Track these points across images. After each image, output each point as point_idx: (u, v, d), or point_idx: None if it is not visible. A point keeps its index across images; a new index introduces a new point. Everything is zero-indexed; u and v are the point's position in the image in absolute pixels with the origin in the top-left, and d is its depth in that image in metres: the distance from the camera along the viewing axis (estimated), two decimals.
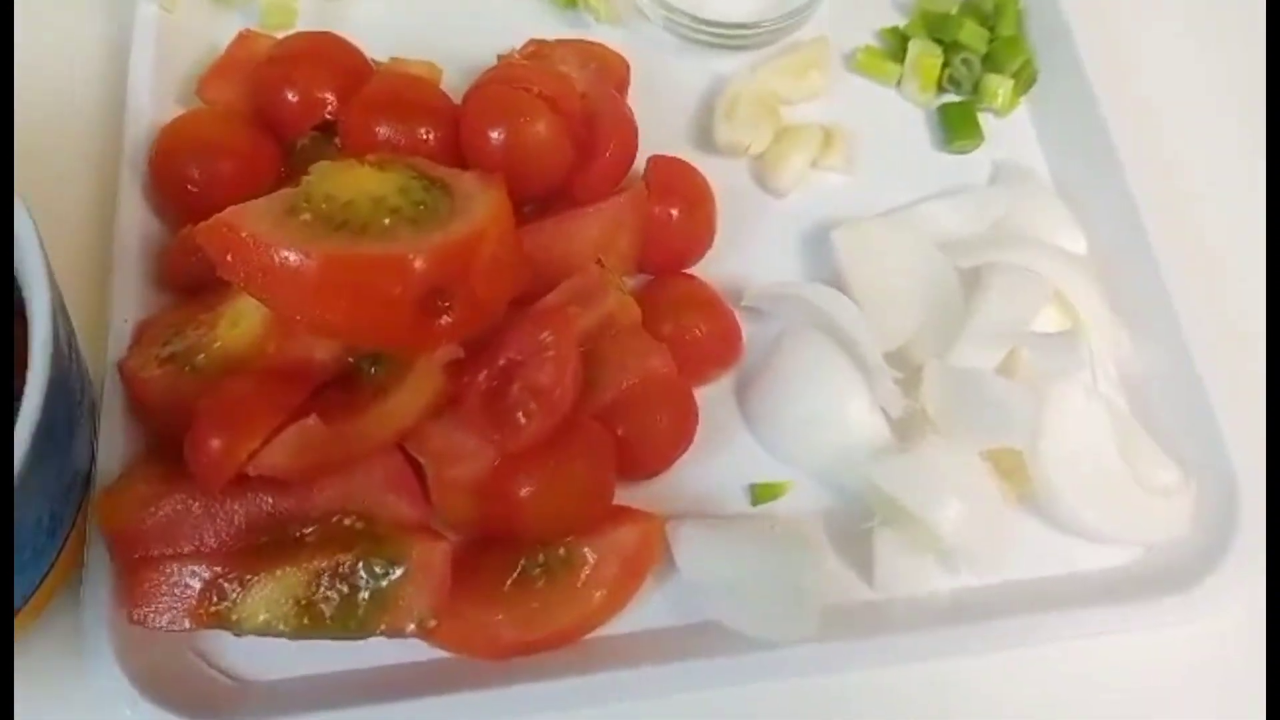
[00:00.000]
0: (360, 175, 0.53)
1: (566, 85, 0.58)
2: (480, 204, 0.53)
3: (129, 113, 0.60)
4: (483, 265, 0.52)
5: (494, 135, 0.56)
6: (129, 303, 0.56)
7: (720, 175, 0.65)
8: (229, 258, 0.49)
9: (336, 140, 0.60)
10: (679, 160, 0.62)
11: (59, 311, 0.47)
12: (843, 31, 0.72)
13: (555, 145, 0.57)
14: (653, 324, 0.58)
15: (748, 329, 0.62)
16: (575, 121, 0.58)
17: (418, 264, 0.49)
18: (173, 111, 0.62)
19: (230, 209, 0.49)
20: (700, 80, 0.70)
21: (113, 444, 0.52)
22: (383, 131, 0.57)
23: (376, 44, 0.67)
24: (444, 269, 0.50)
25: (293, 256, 0.48)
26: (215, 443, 0.47)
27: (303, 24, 0.69)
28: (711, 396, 0.60)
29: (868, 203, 0.66)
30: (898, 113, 0.70)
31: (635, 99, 0.67)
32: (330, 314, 0.48)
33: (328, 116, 0.59)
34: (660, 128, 0.66)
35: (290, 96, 0.59)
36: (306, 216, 0.50)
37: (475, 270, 0.51)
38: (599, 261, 0.56)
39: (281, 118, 0.59)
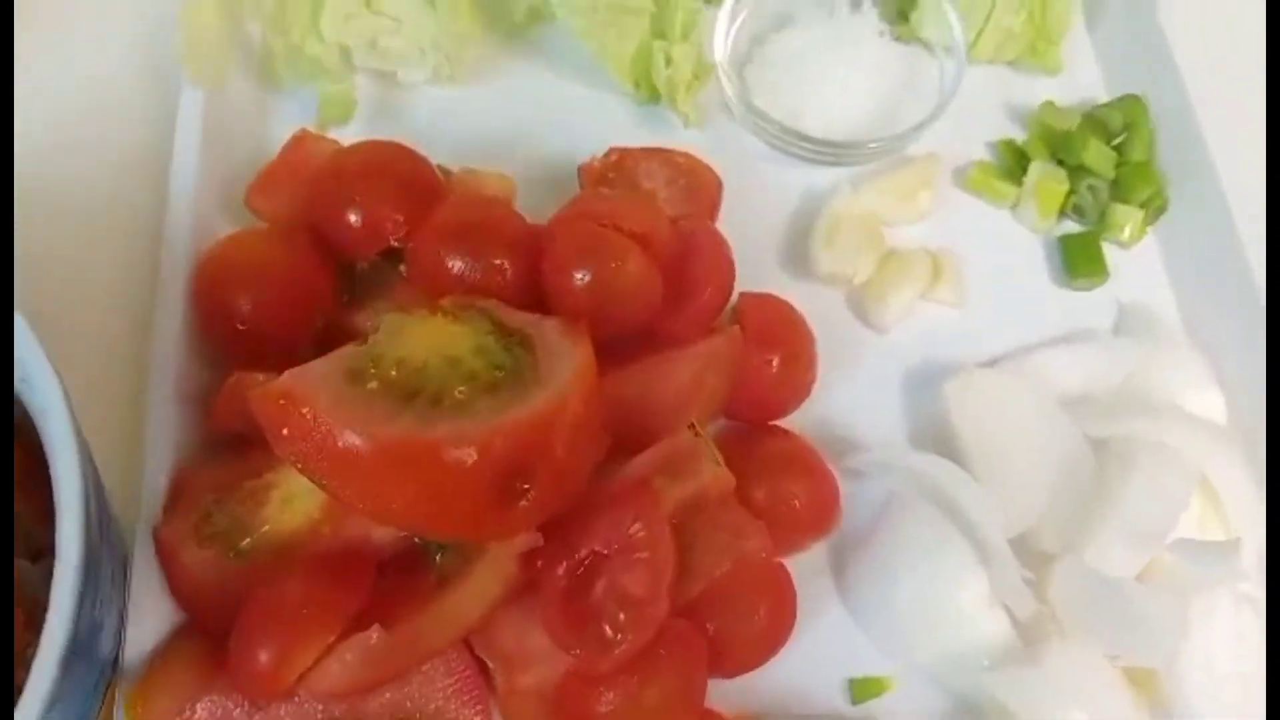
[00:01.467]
0: (432, 330, 0.47)
1: (658, 221, 0.52)
2: (565, 365, 0.47)
3: (169, 221, 0.54)
4: (566, 437, 0.46)
5: (579, 276, 0.50)
6: (165, 449, 0.50)
7: (815, 303, 0.59)
8: (285, 432, 0.43)
9: (402, 267, 0.54)
10: (777, 301, 0.56)
11: (91, 491, 0.42)
12: (952, 140, 0.65)
13: (645, 288, 0.51)
14: (743, 487, 0.52)
15: (846, 487, 0.56)
16: (667, 260, 0.52)
17: (496, 446, 0.43)
18: (217, 221, 0.57)
19: (288, 375, 0.44)
20: (795, 193, 0.64)
21: (144, 623, 0.46)
22: (455, 265, 0.51)
23: (442, 142, 0.61)
24: (525, 448, 0.44)
25: (358, 440, 0.42)
26: (264, 656, 0.41)
27: (363, 115, 0.64)
28: (804, 566, 0.54)
29: (979, 342, 0.60)
30: (1011, 238, 0.64)
31: (722, 213, 0.61)
32: (398, 504, 0.43)
33: (394, 243, 0.54)
34: (749, 245, 0.59)
35: (353, 219, 0.53)
36: (374, 385, 0.44)
37: (558, 444, 0.46)
38: (691, 426, 0.50)
39: (342, 241, 0.53)
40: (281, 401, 0.43)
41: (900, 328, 0.60)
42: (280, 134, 0.60)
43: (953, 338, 0.60)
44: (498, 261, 0.52)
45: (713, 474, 0.49)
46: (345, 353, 0.45)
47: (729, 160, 0.62)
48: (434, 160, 0.59)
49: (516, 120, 0.65)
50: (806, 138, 0.61)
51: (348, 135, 0.61)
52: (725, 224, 0.60)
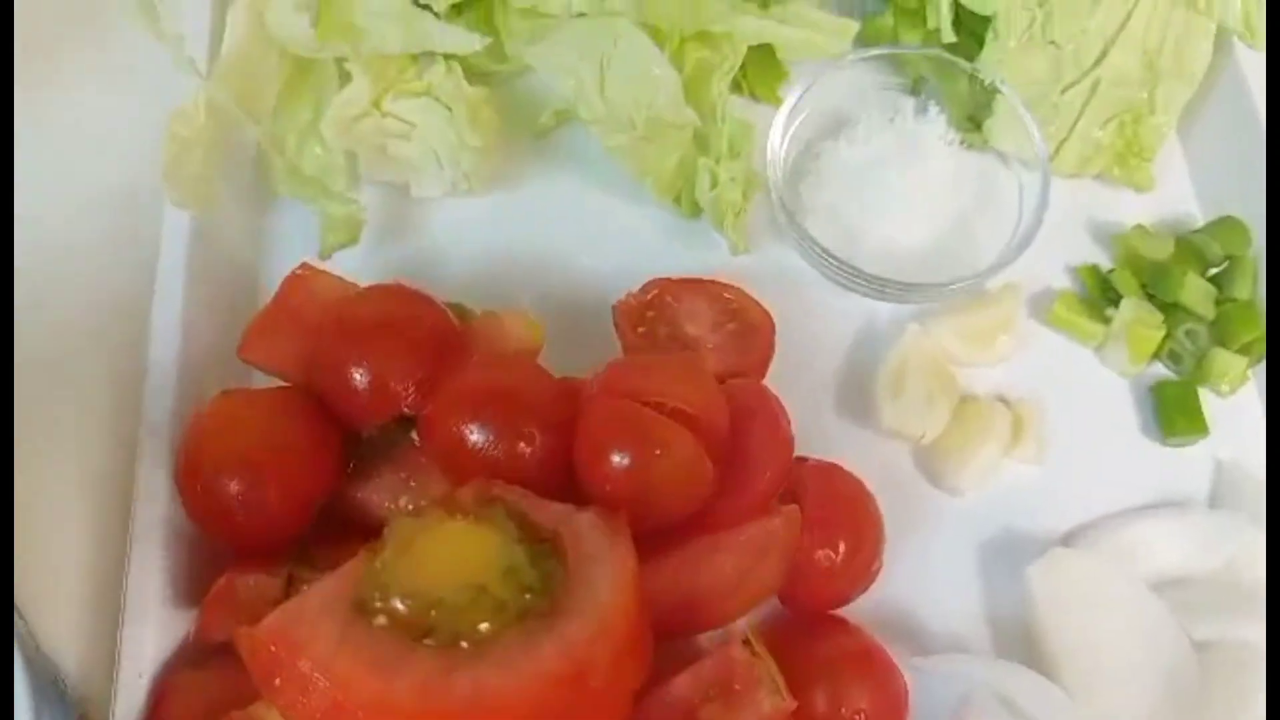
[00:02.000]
0: (450, 540, 0.41)
1: (709, 397, 0.45)
2: (602, 575, 0.40)
3: (150, 387, 0.47)
4: (604, 667, 0.40)
5: (618, 462, 0.44)
6: (144, 657, 0.43)
7: (877, 458, 0.53)
8: (277, 683, 0.37)
9: (414, 434, 0.48)
10: (842, 474, 0.49)
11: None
12: (1031, 264, 0.57)
13: (694, 477, 0.44)
14: (799, 690, 0.46)
15: (915, 684, 0.48)
16: (718, 439, 0.46)
17: (528, 694, 0.37)
18: (208, 375, 0.50)
19: (281, 614, 0.37)
20: (855, 326, 0.57)
21: None
22: (475, 438, 0.45)
23: (459, 264, 0.56)
24: (560, 689, 0.38)
25: (363, 696, 0.36)
26: None
27: (372, 231, 0.56)
28: None
29: (1063, 508, 0.53)
30: (1096, 380, 0.57)
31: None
32: None
33: (405, 411, 0.47)
34: (801, 389, 0.53)
35: (359, 383, 0.46)
36: (382, 620, 0.38)
37: (595, 676, 0.40)
38: (747, 642, 0.44)
39: (347, 407, 0.47)
40: (273, 648, 0.37)
41: (975, 490, 0.54)
42: (280, 261, 0.54)
43: (1033, 502, 0.54)
44: (523, 436, 0.46)
45: (773, 705, 0.42)
46: (347, 577, 0.39)
47: (780, 287, 0.56)
48: (451, 292, 0.53)
49: (543, 236, 0.58)
50: (865, 275, 0.54)
51: (354, 257, 0.55)
52: (775, 363, 0.53)
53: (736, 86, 0.62)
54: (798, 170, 0.59)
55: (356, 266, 0.54)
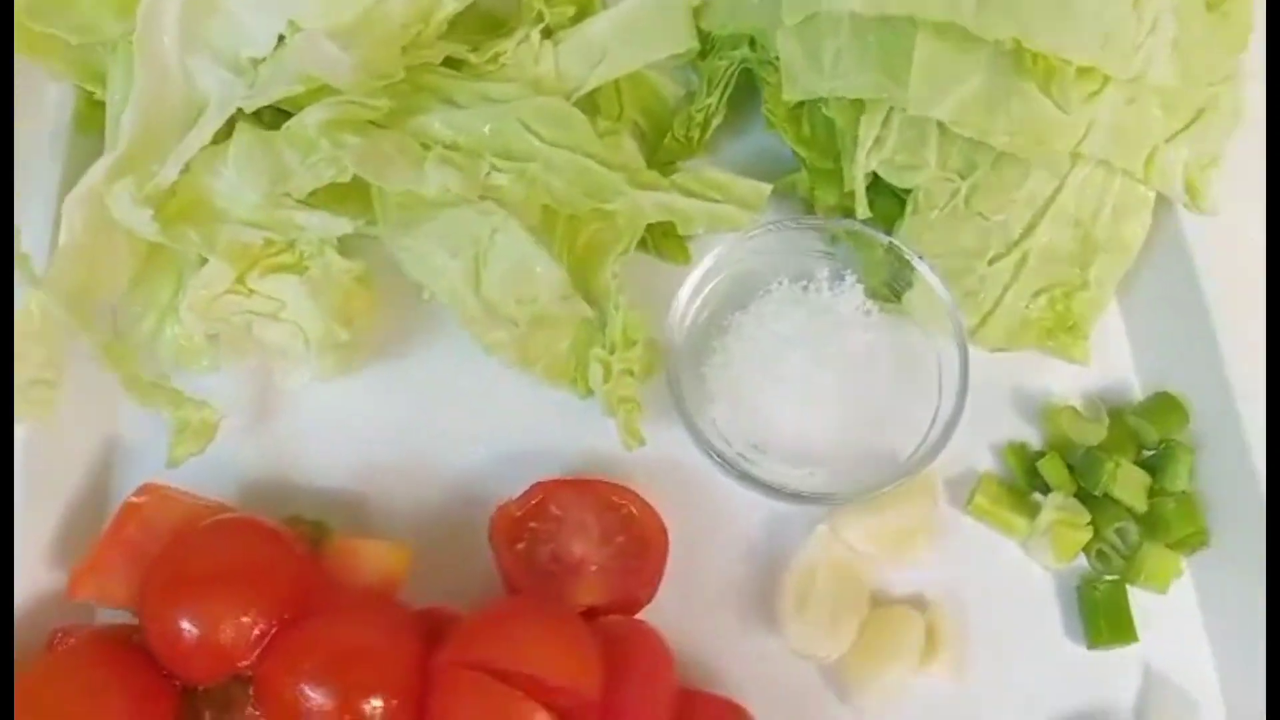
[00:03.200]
0: None
1: (578, 661, 0.41)
2: None
3: None
4: None
5: None
6: None
7: (784, 672, 0.50)
8: None
9: (250, 692, 0.44)
10: (733, 711, 0.46)
11: None
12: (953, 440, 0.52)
13: None
14: None
15: None
16: (584, 705, 0.42)
17: None
18: (48, 613, 0.46)
19: None
20: (761, 522, 0.53)
21: None
22: (312, 702, 0.41)
23: (326, 467, 0.52)
24: None
25: None
26: None
27: (233, 426, 0.51)
28: None
29: None
30: (1021, 575, 0.53)
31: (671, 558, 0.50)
32: None
33: (242, 668, 0.43)
34: (701, 595, 0.51)
35: (189, 637, 0.42)
36: None
37: None
38: None
39: (176, 662, 0.42)
40: None
41: (884, 708, 0.50)
42: (134, 472, 0.50)
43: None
44: (367, 701, 0.41)
45: None
46: None
47: (682, 475, 0.53)
48: (314, 499, 0.50)
49: (423, 421, 0.54)
50: (763, 483, 0.50)
51: (212, 456, 0.50)
52: (673, 565, 0.49)
53: (642, 244, 0.57)
54: (703, 348, 0.54)
55: (212, 471, 0.51)
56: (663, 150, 0.59)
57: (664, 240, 0.57)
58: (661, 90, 0.60)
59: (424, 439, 0.54)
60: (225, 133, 0.51)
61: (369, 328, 0.54)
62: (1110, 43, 0.47)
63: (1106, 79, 0.48)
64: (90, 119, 0.55)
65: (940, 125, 0.50)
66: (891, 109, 0.50)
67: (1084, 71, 0.48)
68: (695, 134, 0.58)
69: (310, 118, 0.48)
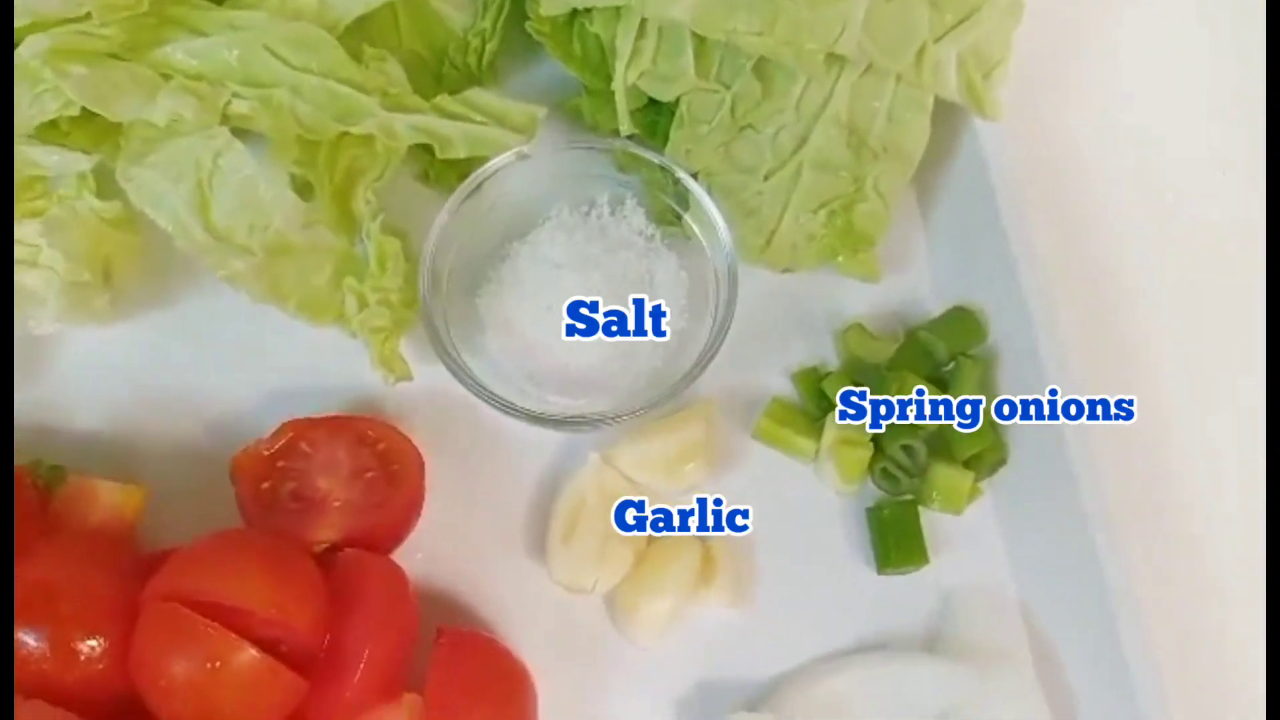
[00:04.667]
0: None
1: (288, 590, 0.40)
2: None
3: None
4: None
5: (172, 676, 0.39)
6: None
7: (563, 609, 0.49)
8: None
9: None
10: (485, 646, 0.45)
11: None
12: (745, 368, 0.53)
13: (264, 685, 0.39)
14: None
15: None
16: (301, 635, 0.41)
17: None
18: None
19: None
20: (538, 456, 0.52)
21: None
22: (28, 644, 0.40)
23: (86, 415, 0.51)
24: None
25: None
26: None
27: None
28: None
29: (766, 658, 0.48)
30: (814, 501, 0.52)
31: (433, 487, 0.49)
32: None
33: None
34: (471, 532, 0.49)
35: None
36: None
37: None
38: None
39: None
40: None
41: (672, 641, 0.48)
42: None
43: (735, 651, 0.49)
44: (77, 642, 0.40)
45: None
46: None
47: (449, 416, 0.51)
48: (72, 443, 0.49)
49: (183, 365, 0.53)
50: (520, 410, 0.48)
51: None
52: (438, 504, 0.49)
53: (423, 176, 0.56)
54: (480, 277, 0.53)
55: None
56: (444, 79, 0.57)
57: (443, 170, 0.56)
58: (444, 19, 0.58)
59: (187, 382, 0.52)
60: None
61: (130, 272, 0.53)
62: None
63: None
64: None
65: (697, 33, 0.49)
66: (644, 17, 0.49)
67: None
68: (473, 60, 0.56)
69: (32, 48, 0.47)
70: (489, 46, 0.56)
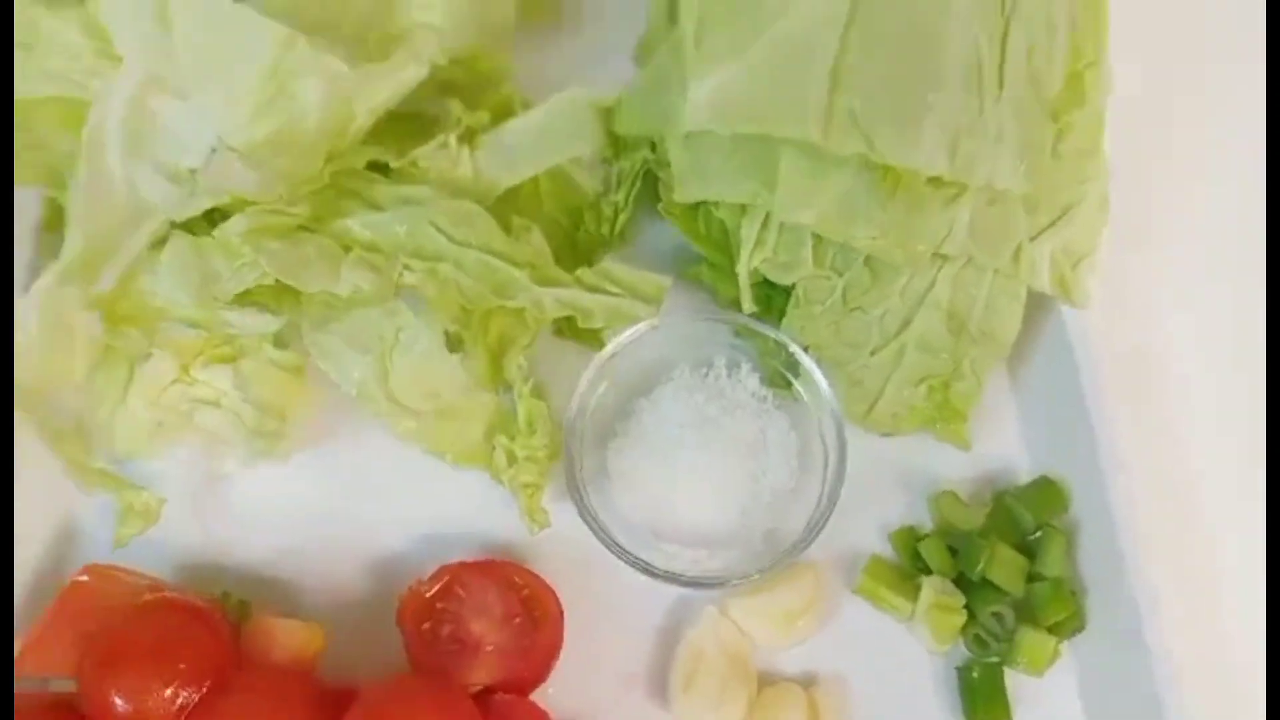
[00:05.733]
0: None
1: None
2: None
3: None
4: None
5: None
6: None
7: None
8: None
9: None
10: None
11: None
12: (844, 528, 0.58)
13: None
14: None
15: None
16: None
17: None
18: None
19: None
20: (659, 604, 0.58)
21: None
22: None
23: (258, 547, 0.57)
24: None
25: None
26: None
27: (174, 508, 0.57)
28: None
29: None
30: (907, 656, 0.57)
31: (570, 635, 0.55)
32: None
33: None
34: (598, 675, 0.55)
35: (119, 708, 0.47)
36: None
37: None
38: None
39: None
40: None
41: None
42: (82, 553, 0.56)
43: None
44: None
45: None
46: None
47: (579, 562, 0.57)
48: (245, 577, 0.56)
49: (343, 506, 0.59)
50: (655, 570, 0.55)
51: (155, 535, 0.57)
52: (571, 647, 0.54)
53: (560, 331, 0.63)
54: (608, 431, 0.60)
55: (154, 549, 0.57)
56: (578, 243, 0.64)
57: (578, 328, 0.63)
58: (579, 185, 0.66)
59: (345, 522, 0.59)
60: (164, 238, 0.57)
61: (301, 415, 0.60)
62: (956, 153, 0.52)
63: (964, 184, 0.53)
64: (57, 220, 0.62)
65: None
66: (769, 213, 0.56)
67: (937, 179, 0.52)
68: (606, 229, 0.63)
69: (234, 228, 0.55)
70: (621, 218, 0.63)
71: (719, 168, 0.56)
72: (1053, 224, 0.56)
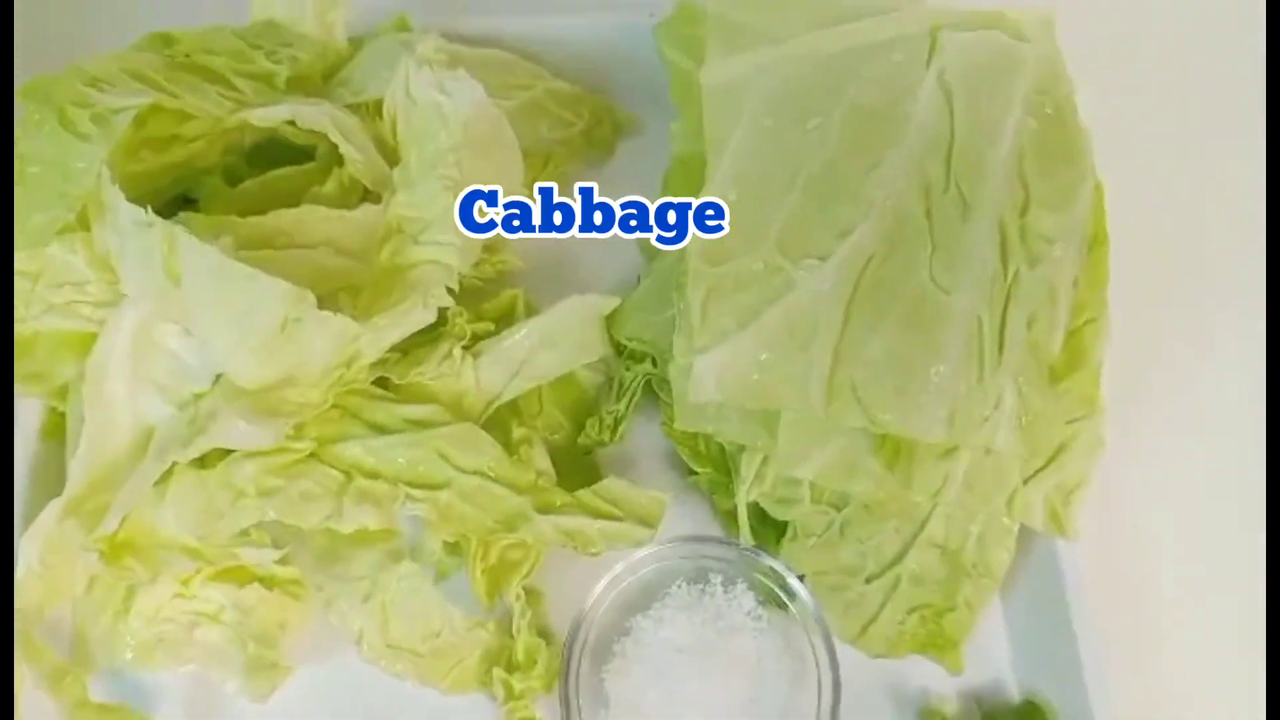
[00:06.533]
0: None
1: None
2: None
3: None
4: None
5: None
6: None
7: None
8: None
9: None
10: None
11: None
12: None
13: None
14: None
15: None
16: None
17: None
18: None
19: None
20: None
21: None
22: None
23: None
24: None
25: None
26: None
27: None
28: None
29: None
30: None
31: None
32: None
33: None
34: None
35: None
36: None
37: None
38: None
39: None
40: None
41: None
42: None
43: None
44: None
45: None
46: None
47: None
48: None
49: None
50: None
51: None
52: None
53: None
54: (605, 651, 0.61)
55: None
56: (578, 443, 0.66)
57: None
58: (581, 383, 0.67)
59: None
60: (168, 471, 0.58)
61: (300, 629, 0.61)
62: (956, 421, 0.53)
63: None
64: (57, 428, 0.63)
65: None
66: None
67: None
68: (606, 435, 0.64)
69: (240, 473, 0.56)
70: (622, 426, 0.64)
71: (722, 407, 0.57)
72: (1047, 465, 0.58)
